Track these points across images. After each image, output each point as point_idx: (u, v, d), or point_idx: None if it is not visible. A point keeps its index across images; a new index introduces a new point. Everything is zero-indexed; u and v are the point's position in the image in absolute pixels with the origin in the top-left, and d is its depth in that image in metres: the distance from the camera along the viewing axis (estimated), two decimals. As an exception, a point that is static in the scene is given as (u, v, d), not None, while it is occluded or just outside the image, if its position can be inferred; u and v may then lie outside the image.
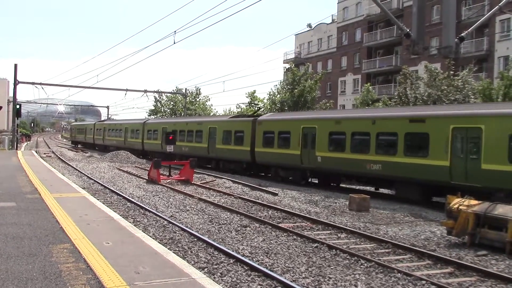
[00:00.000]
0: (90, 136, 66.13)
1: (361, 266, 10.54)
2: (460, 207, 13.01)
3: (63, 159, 42.41)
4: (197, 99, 75.14)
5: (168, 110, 76.06)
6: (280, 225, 14.64)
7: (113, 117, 79.11)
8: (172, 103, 75.87)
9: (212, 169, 34.20)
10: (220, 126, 33.36)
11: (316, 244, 12.31)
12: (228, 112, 72.57)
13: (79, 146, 73.59)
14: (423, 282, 9.31)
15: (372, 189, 24.32)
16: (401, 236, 13.77)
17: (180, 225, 14.05)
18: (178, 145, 37.57)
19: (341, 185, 26.38)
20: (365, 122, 22.38)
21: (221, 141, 32.75)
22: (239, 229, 14.09)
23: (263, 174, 30.61)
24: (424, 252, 11.66)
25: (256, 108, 55.97)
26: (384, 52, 59.34)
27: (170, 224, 14.17)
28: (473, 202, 13.20)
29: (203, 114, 68.58)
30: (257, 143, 29.08)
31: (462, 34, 11.19)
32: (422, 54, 10.76)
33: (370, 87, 50.49)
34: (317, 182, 26.88)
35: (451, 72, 32.84)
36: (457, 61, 41.75)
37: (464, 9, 47.33)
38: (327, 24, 70.54)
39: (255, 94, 67.43)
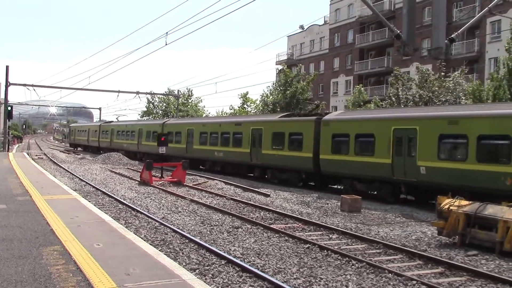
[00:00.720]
0: (95, 138, 60.21)
1: (352, 266, 10.57)
2: (451, 208, 13.08)
3: (54, 161, 42.23)
4: (190, 101, 75.10)
5: (160, 112, 75.93)
6: (272, 226, 14.65)
7: (118, 118, 73.19)
8: (164, 104, 75.77)
9: (255, 178, 29.35)
10: (268, 127, 28.06)
11: (307, 245, 12.33)
12: (221, 113, 72.50)
13: (79, 149, 68.88)
14: (414, 282, 9.36)
15: (365, 190, 23.24)
16: (392, 237, 13.82)
17: (172, 226, 14.03)
18: (208, 149, 33.65)
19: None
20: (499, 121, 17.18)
21: (270, 146, 27.44)
22: (231, 230, 14.09)
23: (332, 186, 25.70)
24: (415, 252, 11.71)
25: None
26: (376, 54, 59.58)
27: (162, 226, 14.14)
28: (464, 202, 13.27)
29: (196, 116, 68.31)
30: (322, 148, 23.89)
31: (452, 36, 11.25)
32: (413, 55, 10.82)
33: (362, 88, 50.63)
34: (414, 199, 21.16)
35: (442, 74, 33.03)
36: (448, 62, 42.05)
37: (456, 11, 47.63)
38: (319, 25, 70.74)
39: (247, 96, 67.50)
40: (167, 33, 29.02)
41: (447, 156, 18.52)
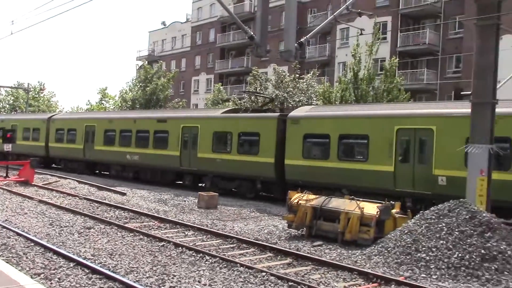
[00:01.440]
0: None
1: (206, 262, 10.71)
2: (300, 202, 13.88)
3: None
4: (41, 95, 70.33)
5: (7, 106, 70.02)
6: (126, 225, 14.30)
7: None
8: (12, 98, 70.02)
9: (187, 187, 24.74)
10: (207, 125, 23.54)
11: (162, 243, 12.24)
12: (77, 109, 68.93)
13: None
14: (263, 273, 9.74)
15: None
16: (246, 231, 14.27)
17: (16, 229, 13.02)
18: (116, 151, 28.09)
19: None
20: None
21: (210, 148, 23.17)
22: (82, 231, 13.47)
23: None
24: (266, 245, 12.21)
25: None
26: (236, 54, 60.97)
27: (4, 229, 13.05)
28: (312, 196, 14.16)
29: (48, 111, 64.01)
30: (289, 152, 20.06)
31: (301, 40, 11.92)
32: (265, 56, 11.30)
33: (221, 87, 51.52)
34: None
35: (297, 75, 34.88)
36: (303, 64, 44.48)
37: (310, 16, 50.54)
38: (182, 23, 70.53)
39: (106, 91, 65.06)
40: (12, 21, 26.80)
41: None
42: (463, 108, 15.53)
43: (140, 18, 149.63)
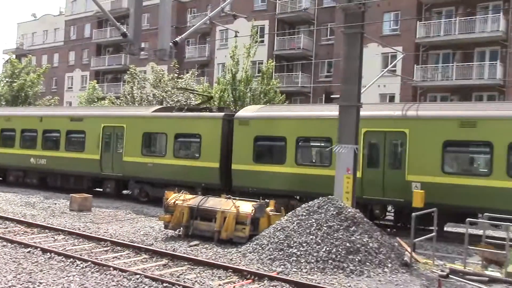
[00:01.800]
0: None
1: (77, 267, 10.25)
2: (176, 202, 13.82)
3: None
4: None
5: None
6: (-13, 231, 13.22)
7: None
8: None
9: (106, 195, 22.15)
10: (135, 125, 21.16)
11: (28, 249, 11.49)
12: None
13: None
14: (138, 276, 9.55)
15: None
16: (121, 234, 13.89)
17: None
18: (17, 154, 24.78)
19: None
20: None
21: (139, 151, 20.75)
22: None
23: None
24: (142, 247, 12.00)
25: None
26: (113, 50, 58.94)
27: None
28: (189, 196, 14.17)
29: None
30: (236, 156, 18.41)
31: (176, 39, 11.87)
32: (138, 54, 11.09)
33: (97, 85, 49.55)
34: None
35: (175, 75, 34.62)
36: (182, 64, 44.26)
37: (189, 16, 50.44)
38: (54, 15, 66.65)
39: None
40: None
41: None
42: (441, 111, 15.87)
43: (7, 7, 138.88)
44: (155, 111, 21.98)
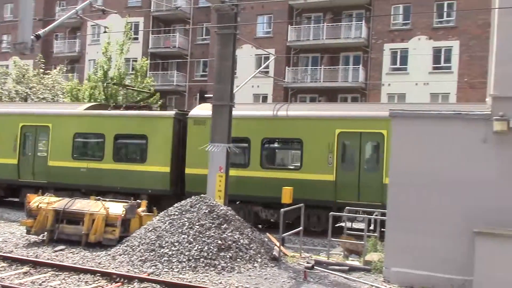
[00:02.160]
0: None
1: None
2: (40, 205, 13.00)
3: None
4: None
5: None
6: None
7: None
8: None
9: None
10: (64, 124, 18.78)
11: None
12: None
13: None
14: (-7, 286, 8.86)
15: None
16: (-24, 242, 12.76)
17: None
18: None
19: None
20: None
21: (69, 154, 18.44)
22: None
23: None
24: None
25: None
26: (-30, 42, 53.95)
27: None
28: (54, 199, 13.41)
29: None
30: (190, 159, 16.81)
31: (39, 33, 11.17)
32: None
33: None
34: None
35: (42, 70, 32.57)
36: (50, 59, 41.75)
37: (58, 9, 47.69)
38: None
39: None
40: None
41: None
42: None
43: None
44: (88, 108, 19.69)
